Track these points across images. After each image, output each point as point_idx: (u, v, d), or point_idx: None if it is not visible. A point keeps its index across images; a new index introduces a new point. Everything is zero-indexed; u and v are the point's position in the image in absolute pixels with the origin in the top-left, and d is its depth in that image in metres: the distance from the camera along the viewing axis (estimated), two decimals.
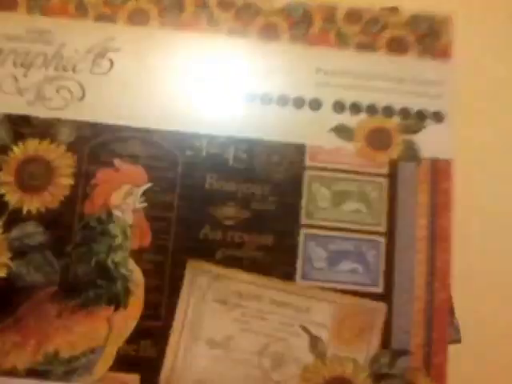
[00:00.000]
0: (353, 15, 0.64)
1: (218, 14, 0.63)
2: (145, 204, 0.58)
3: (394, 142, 0.61)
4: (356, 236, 0.59)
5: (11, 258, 0.56)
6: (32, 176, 0.58)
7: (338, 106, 0.62)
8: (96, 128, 0.59)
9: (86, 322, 0.55)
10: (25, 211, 0.57)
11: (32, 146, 0.58)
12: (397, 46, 0.64)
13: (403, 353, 0.57)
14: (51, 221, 0.57)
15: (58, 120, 0.59)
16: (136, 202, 0.58)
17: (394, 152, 0.61)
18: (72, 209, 0.58)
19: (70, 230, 0.57)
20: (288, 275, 0.58)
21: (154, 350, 0.56)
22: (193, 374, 0.56)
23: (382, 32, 0.64)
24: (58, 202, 0.58)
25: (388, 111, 0.62)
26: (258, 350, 0.56)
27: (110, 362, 0.55)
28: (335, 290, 0.58)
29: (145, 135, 0.59)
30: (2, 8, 0.61)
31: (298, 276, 0.58)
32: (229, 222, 0.59)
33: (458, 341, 0.58)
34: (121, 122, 0.59)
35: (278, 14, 0.63)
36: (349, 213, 0.60)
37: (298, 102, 0.61)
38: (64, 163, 0.58)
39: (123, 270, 0.56)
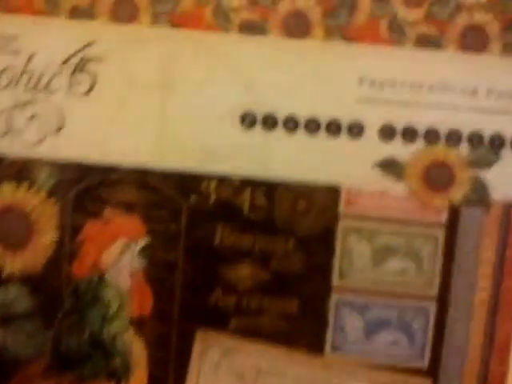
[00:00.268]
0: None
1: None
2: (143, 263, 0.48)
3: (457, 181, 0.47)
4: (400, 302, 0.48)
5: None
6: (10, 231, 0.48)
7: (387, 132, 0.47)
8: (80, 169, 0.48)
9: None
10: (6, 272, 0.49)
11: (7, 193, 0.48)
12: (473, 40, 0.47)
13: None
14: (36, 283, 0.49)
15: (34, 159, 0.48)
16: (133, 261, 0.48)
17: (457, 194, 0.47)
18: (58, 270, 0.49)
19: (58, 294, 0.49)
20: (316, 348, 0.48)
21: None
22: None
23: (453, 19, 0.47)
24: (42, 261, 0.48)
25: (453, 138, 0.47)
26: None
27: None
28: (372, 366, 0.48)
29: (140, 177, 0.48)
30: None
31: (327, 348, 0.48)
32: (244, 285, 0.48)
33: None
34: (110, 161, 0.48)
35: None
36: (393, 273, 0.48)
37: (332, 128, 0.47)
38: (45, 214, 0.48)
39: (121, 343, 0.48)
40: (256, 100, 0.47)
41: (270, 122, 0.47)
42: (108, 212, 0.48)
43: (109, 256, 0.48)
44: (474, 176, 0.47)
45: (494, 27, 0.47)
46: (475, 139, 0.47)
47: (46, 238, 0.48)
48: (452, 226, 0.48)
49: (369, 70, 0.47)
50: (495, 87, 0.47)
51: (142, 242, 0.48)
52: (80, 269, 0.48)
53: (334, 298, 0.48)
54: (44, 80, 0.48)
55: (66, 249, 0.48)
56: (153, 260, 0.48)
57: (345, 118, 0.47)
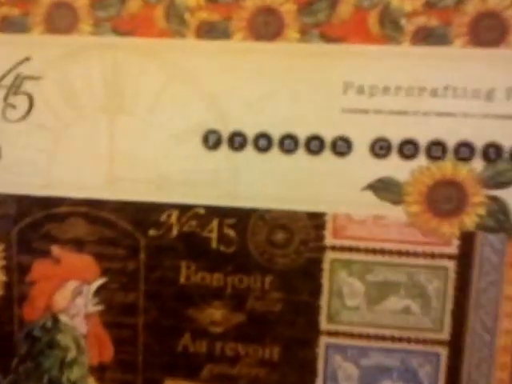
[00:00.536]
0: None
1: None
2: (100, 307, 0.42)
3: (470, 203, 0.38)
4: (403, 347, 0.40)
5: None
6: None
7: (380, 148, 0.38)
8: (21, 203, 0.41)
9: None
10: None
11: None
12: (487, 31, 0.37)
13: None
14: None
15: None
16: (88, 304, 0.42)
17: (470, 219, 0.39)
18: (8, 313, 0.43)
19: (12, 339, 0.43)
20: None
21: None
22: None
23: (461, 6, 0.37)
24: None
25: (464, 151, 0.38)
26: None
27: None
28: None
29: (90, 210, 0.41)
30: None
31: None
32: (217, 329, 0.42)
33: None
34: (55, 193, 0.41)
35: None
36: (393, 314, 0.40)
37: (313, 145, 0.39)
38: None
39: None
40: (220, 116, 0.39)
41: (237, 142, 0.39)
42: (55, 250, 0.42)
43: (61, 298, 0.42)
44: (491, 196, 0.38)
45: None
46: (492, 152, 0.38)
47: None
48: (465, 257, 0.39)
49: (355, 74, 0.38)
50: None
51: (97, 283, 0.42)
52: (31, 312, 0.43)
53: (323, 342, 0.41)
54: None
55: (15, 291, 0.43)
56: (110, 302, 0.42)
57: (328, 132, 0.38)
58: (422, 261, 0.40)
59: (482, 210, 0.38)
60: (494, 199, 0.38)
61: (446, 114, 0.38)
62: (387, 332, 0.40)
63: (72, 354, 0.43)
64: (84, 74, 0.40)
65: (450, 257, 0.39)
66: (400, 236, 0.39)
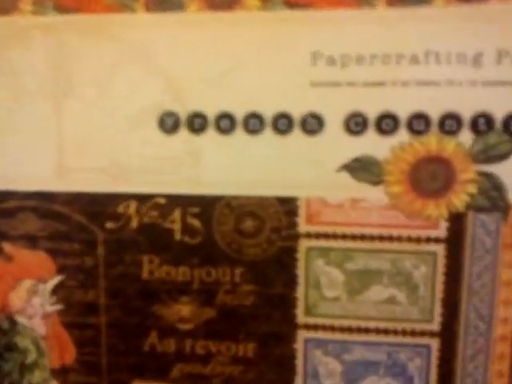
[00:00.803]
0: None
1: None
2: (58, 306, 0.39)
3: (458, 181, 0.34)
4: (390, 339, 0.37)
5: None
6: None
7: (355, 123, 0.34)
8: None
9: None
10: None
11: None
12: None
13: None
14: None
15: None
16: (45, 303, 0.39)
17: (460, 198, 0.35)
18: None
19: None
20: None
21: None
22: None
23: None
24: None
25: (450, 123, 0.34)
26: None
27: None
28: None
29: (40, 204, 0.37)
30: None
31: None
32: (185, 326, 0.38)
33: None
34: (0, 187, 0.37)
35: None
36: (377, 304, 0.37)
37: (280, 124, 0.35)
38: None
39: None
40: (177, 96, 0.35)
41: (197, 123, 0.35)
42: (7, 248, 0.38)
43: (16, 298, 0.39)
44: (482, 172, 0.34)
45: None
46: (481, 123, 0.34)
47: None
48: (455, 240, 0.35)
49: (325, 43, 0.33)
50: (508, 49, 0.33)
51: (53, 281, 0.38)
52: None
53: (301, 337, 0.38)
54: None
55: None
56: (69, 301, 0.39)
57: (296, 109, 0.34)
58: (406, 246, 0.36)
59: (472, 188, 0.34)
60: (486, 175, 0.34)
61: (429, 82, 0.33)
62: (371, 324, 0.37)
63: (32, 356, 0.40)
64: (27, 57, 0.36)
65: (437, 240, 0.36)
66: (381, 220, 0.36)
